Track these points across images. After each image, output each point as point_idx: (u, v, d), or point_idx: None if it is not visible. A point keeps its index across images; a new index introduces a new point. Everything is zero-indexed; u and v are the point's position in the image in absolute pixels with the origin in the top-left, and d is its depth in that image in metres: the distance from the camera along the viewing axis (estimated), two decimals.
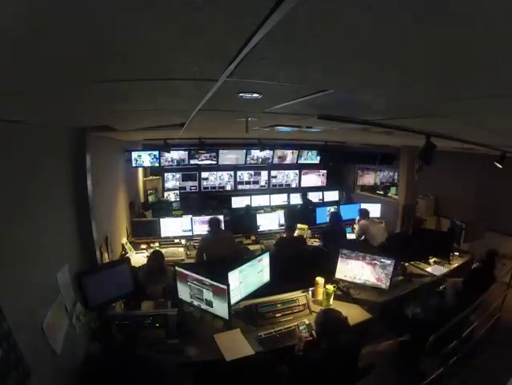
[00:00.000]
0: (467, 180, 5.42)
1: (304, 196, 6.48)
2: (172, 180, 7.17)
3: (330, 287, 2.84)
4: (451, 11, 0.45)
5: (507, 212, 4.77)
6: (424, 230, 5.06)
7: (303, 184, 8.08)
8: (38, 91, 1.02)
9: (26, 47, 0.60)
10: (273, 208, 6.34)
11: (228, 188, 7.61)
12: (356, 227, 5.02)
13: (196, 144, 5.45)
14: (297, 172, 8.03)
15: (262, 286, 2.93)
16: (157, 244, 4.48)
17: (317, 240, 4.85)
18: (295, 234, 4.25)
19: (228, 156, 6.64)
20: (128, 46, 0.64)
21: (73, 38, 0.58)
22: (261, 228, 5.02)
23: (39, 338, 1.60)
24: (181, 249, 4.41)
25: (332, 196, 7.45)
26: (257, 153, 6.76)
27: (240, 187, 7.66)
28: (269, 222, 5.11)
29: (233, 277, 2.59)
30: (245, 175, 7.63)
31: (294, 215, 5.27)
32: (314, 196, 7.05)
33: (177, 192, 7.05)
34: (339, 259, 3.18)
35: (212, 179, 7.46)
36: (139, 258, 3.94)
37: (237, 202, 6.71)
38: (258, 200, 6.64)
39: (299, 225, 4.63)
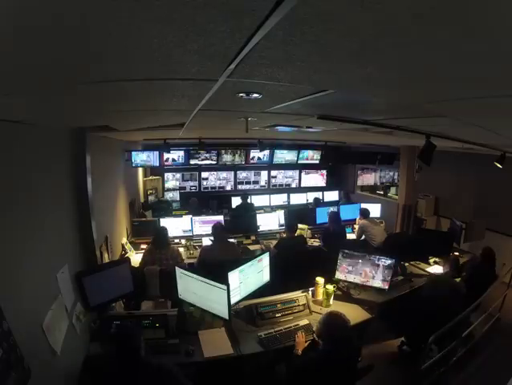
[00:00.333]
0: (467, 180, 5.42)
1: (317, 199, 6.52)
2: (172, 180, 7.17)
3: (330, 287, 2.84)
4: (450, 11, 0.45)
5: (507, 212, 4.77)
6: (424, 230, 5.06)
7: (303, 184, 8.09)
8: (37, 91, 1.02)
9: (26, 47, 0.60)
10: (273, 209, 6.34)
11: (228, 188, 7.62)
12: (356, 227, 5.02)
13: (196, 144, 5.45)
14: (297, 172, 8.05)
15: (262, 286, 2.93)
16: None
17: (317, 240, 4.85)
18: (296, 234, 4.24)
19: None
20: (128, 46, 0.64)
21: (73, 38, 0.58)
22: (261, 228, 5.02)
23: (39, 338, 1.60)
24: (181, 249, 4.41)
25: (332, 196, 7.46)
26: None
27: (240, 187, 7.67)
28: (269, 222, 5.11)
29: (233, 277, 2.59)
30: (244, 175, 7.65)
31: (294, 215, 5.26)
32: (314, 196, 7.04)
33: (177, 192, 7.07)
34: (339, 259, 3.18)
35: (212, 179, 7.47)
36: (139, 258, 3.94)
37: (237, 202, 6.72)
38: (258, 200, 6.65)
39: (300, 225, 4.62)
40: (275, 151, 6.68)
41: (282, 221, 5.17)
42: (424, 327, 2.60)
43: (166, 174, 7.04)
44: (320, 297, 2.89)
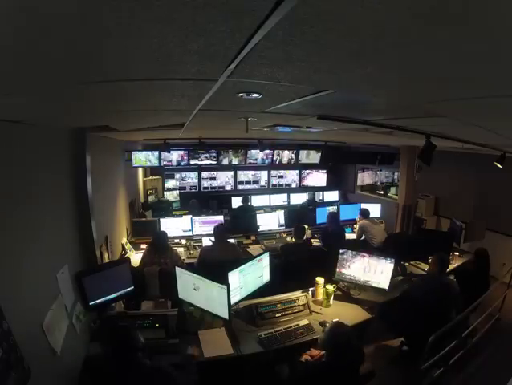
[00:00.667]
0: (467, 180, 5.42)
1: (312, 197, 6.50)
2: (172, 180, 7.18)
3: (330, 287, 2.84)
4: (450, 11, 0.45)
5: (507, 212, 4.77)
6: (423, 230, 5.06)
7: (303, 184, 8.09)
8: (37, 91, 1.02)
9: (26, 47, 0.60)
10: (273, 209, 6.35)
11: (228, 188, 7.62)
12: (356, 227, 5.02)
13: (196, 144, 5.45)
14: (297, 172, 8.06)
15: (262, 286, 2.93)
16: None
17: (317, 240, 4.85)
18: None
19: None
20: (128, 46, 0.64)
21: (73, 38, 0.58)
22: (261, 228, 5.02)
23: (39, 338, 1.60)
24: (181, 249, 4.41)
25: (332, 196, 7.46)
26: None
27: (240, 187, 7.68)
28: (269, 222, 5.11)
29: (233, 277, 2.59)
30: (244, 175, 7.66)
31: (294, 215, 5.27)
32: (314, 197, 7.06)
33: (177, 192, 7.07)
34: (339, 259, 3.18)
35: (212, 179, 7.48)
36: (139, 258, 3.94)
37: (237, 202, 6.73)
38: (258, 200, 6.65)
39: None
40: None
41: (282, 221, 5.17)
42: (419, 326, 2.59)
43: (166, 174, 7.05)
44: (320, 297, 2.89)
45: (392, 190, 6.98)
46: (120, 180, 4.53)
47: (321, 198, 7.29)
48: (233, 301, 2.49)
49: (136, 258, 3.88)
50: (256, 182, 7.84)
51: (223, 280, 2.41)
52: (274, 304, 2.72)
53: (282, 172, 7.98)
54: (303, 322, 2.57)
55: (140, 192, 6.33)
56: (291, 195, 7.20)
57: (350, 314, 2.69)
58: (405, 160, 5.39)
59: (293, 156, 6.69)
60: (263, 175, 7.84)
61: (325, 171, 8.15)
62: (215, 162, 6.51)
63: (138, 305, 3.20)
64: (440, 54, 0.65)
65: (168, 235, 4.52)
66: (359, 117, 1.94)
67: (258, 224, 5.00)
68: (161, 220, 4.65)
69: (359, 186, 7.86)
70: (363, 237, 4.64)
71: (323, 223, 5.30)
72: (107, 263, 3.03)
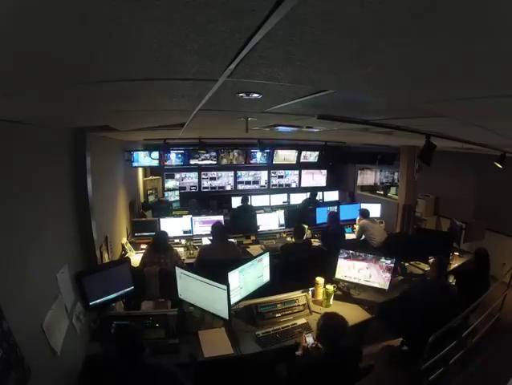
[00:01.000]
0: (467, 180, 5.42)
1: (313, 196, 6.49)
2: (172, 180, 7.18)
3: (330, 287, 2.84)
4: (450, 11, 0.45)
5: (507, 212, 4.77)
6: (423, 230, 5.06)
7: (303, 184, 8.09)
8: (37, 91, 1.02)
9: (26, 47, 0.60)
10: (273, 209, 6.35)
11: (228, 188, 7.62)
12: (356, 227, 5.02)
13: (196, 144, 5.45)
14: (297, 172, 8.06)
15: (262, 286, 2.93)
16: None
17: (317, 240, 4.84)
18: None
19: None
20: (128, 46, 0.64)
21: (73, 38, 0.58)
22: (261, 229, 5.02)
23: (39, 338, 1.60)
24: (181, 249, 4.41)
25: (332, 196, 7.46)
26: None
27: (240, 187, 7.67)
28: (269, 222, 5.11)
29: (233, 277, 2.59)
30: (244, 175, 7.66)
31: (294, 215, 5.27)
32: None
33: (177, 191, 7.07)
34: (339, 259, 3.18)
35: (212, 179, 7.48)
36: (139, 258, 3.94)
37: (237, 202, 6.72)
38: (258, 200, 6.65)
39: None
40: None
41: (282, 221, 5.17)
42: (417, 327, 2.59)
43: (166, 174, 7.05)
44: (320, 297, 2.89)
45: (392, 190, 6.98)
46: (120, 180, 4.53)
47: (321, 198, 7.29)
48: (233, 301, 2.49)
49: (136, 258, 3.88)
50: (256, 182, 7.83)
51: (222, 280, 2.41)
52: (274, 304, 2.72)
53: (282, 172, 7.98)
54: (301, 321, 2.57)
55: (140, 192, 6.32)
56: (291, 195, 7.20)
57: (350, 314, 2.69)
58: (405, 160, 5.39)
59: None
60: (263, 175, 7.84)
61: (325, 171, 8.16)
62: (215, 162, 6.51)
63: (138, 305, 3.20)
64: (440, 54, 0.65)
65: (168, 235, 4.55)
66: (359, 117, 1.94)
67: (258, 224, 5.00)
68: (161, 220, 4.65)
69: (359, 186, 7.86)
70: (363, 236, 4.64)
71: (323, 223, 5.30)
72: (107, 263, 3.03)
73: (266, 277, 3.00)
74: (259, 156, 6.71)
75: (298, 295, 2.86)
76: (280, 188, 7.89)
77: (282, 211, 5.38)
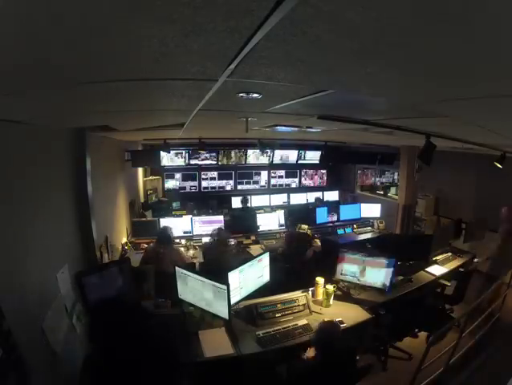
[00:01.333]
0: (467, 180, 5.41)
1: (318, 199, 6.52)
2: (172, 180, 7.18)
3: (330, 287, 2.84)
4: (451, 11, 0.45)
5: None
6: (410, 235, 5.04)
7: (303, 184, 8.10)
8: (37, 91, 1.02)
9: (27, 47, 0.60)
10: (273, 209, 6.35)
11: (228, 188, 7.62)
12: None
13: (196, 144, 5.45)
14: (297, 171, 8.06)
15: (262, 286, 2.93)
16: None
17: (317, 240, 4.84)
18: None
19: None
20: (128, 47, 0.64)
21: (73, 38, 0.58)
22: (261, 228, 5.02)
23: (39, 338, 1.60)
24: (181, 249, 4.41)
25: (332, 196, 7.46)
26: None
27: (240, 187, 7.67)
28: (269, 222, 5.11)
29: (233, 277, 2.59)
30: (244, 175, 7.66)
31: (294, 215, 5.26)
32: (313, 196, 7.05)
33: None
34: (339, 259, 3.18)
35: (212, 179, 7.48)
36: (139, 258, 3.94)
37: (237, 202, 6.72)
38: (258, 200, 6.65)
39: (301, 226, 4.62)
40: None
41: (282, 221, 5.17)
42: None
43: (166, 174, 7.05)
44: (320, 297, 2.89)
45: (392, 190, 6.98)
46: (120, 180, 4.53)
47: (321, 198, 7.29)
48: (233, 301, 2.49)
49: (136, 258, 3.88)
50: (256, 182, 7.84)
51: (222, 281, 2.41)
52: (274, 304, 2.71)
53: (281, 172, 7.98)
54: (302, 322, 2.57)
55: (140, 192, 6.32)
56: (291, 195, 7.19)
57: (350, 314, 2.69)
58: (405, 160, 5.39)
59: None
60: (263, 175, 7.84)
61: (325, 171, 8.16)
62: (215, 162, 6.51)
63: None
64: (440, 54, 0.65)
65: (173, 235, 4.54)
66: (359, 117, 1.94)
67: (258, 224, 5.01)
68: (161, 220, 4.64)
69: (359, 186, 7.86)
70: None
71: (324, 223, 5.32)
72: (107, 263, 3.02)
73: (266, 277, 3.00)
74: (259, 156, 6.71)
75: (298, 295, 2.85)
76: (280, 188, 7.89)
77: (282, 211, 5.38)
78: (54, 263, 1.95)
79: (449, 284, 3.50)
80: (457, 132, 2.36)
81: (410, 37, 0.56)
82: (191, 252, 4.38)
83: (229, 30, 0.54)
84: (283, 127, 2.96)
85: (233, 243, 4.21)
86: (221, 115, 1.99)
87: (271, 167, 7.57)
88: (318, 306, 2.82)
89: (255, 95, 1.21)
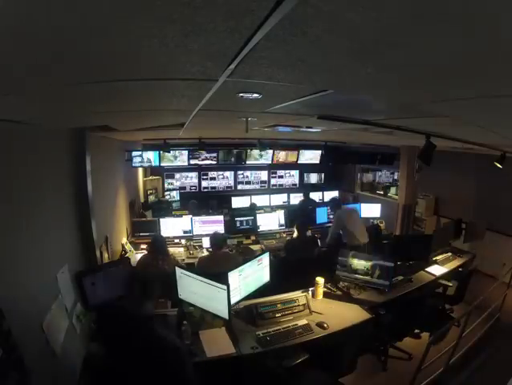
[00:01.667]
0: (467, 180, 5.41)
1: (306, 196, 6.48)
2: (172, 180, 7.18)
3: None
4: (451, 11, 0.45)
5: (507, 212, 4.77)
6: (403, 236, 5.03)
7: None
8: (37, 91, 1.02)
9: (27, 47, 0.60)
10: (273, 209, 6.35)
11: (228, 188, 7.62)
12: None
13: (196, 144, 5.45)
14: (297, 171, 8.06)
15: (262, 286, 2.93)
16: None
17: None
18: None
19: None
20: (128, 47, 0.64)
21: (73, 38, 0.58)
22: (261, 228, 5.02)
23: (39, 338, 1.60)
24: (181, 249, 4.41)
25: (332, 196, 7.46)
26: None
27: (240, 187, 7.67)
28: (269, 222, 5.11)
29: (233, 277, 2.59)
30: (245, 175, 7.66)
31: (294, 215, 5.27)
32: (314, 196, 7.06)
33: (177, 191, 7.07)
34: (339, 259, 3.19)
35: (212, 178, 7.48)
36: (139, 258, 3.94)
37: (237, 202, 6.72)
38: (258, 200, 6.65)
39: None
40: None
41: (282, 221, 5.17)
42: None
43: (166, 174, 7.05)
44: (320, 297, 2.90)
45: (392, 190, 6.98)
46: (120, 180, 4.53)
47: (321, 198, 7.29)
48: (233, 301, 2.49)
49: (136, 258, 3.88)
50: (256, 182, 7.84)
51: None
52: (274, 304, 2.71)
53: (281, 172, 7.98)
54: (302, 321, 2.57)
55: (140, 192, 6.33)
56: (291, 195, 7.20)
57: (350, 313, 2.69)
58: (405, 160, 5.39)
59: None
60: (263, 175, 7.84)
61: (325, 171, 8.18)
62: (215, 162, 6.51)
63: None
64: (440, 54, 0.65)
65: (168, 235, 4.54)
66: (359, 117, 1.94)
67: (258, 224, 5.01)
68: (161, 220, 4.65)
69: (359, 186, 7.86)
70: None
71: (324, 223, 5.32)
72: (107, 263, 3.02)
73: (266, 277, 3.00)
74: (259, 156, 6.70)
75: (298, 295, 2.85)
76: (280, 188, 7.89)
77: (282, 211, 5.38)
78: (54, 263, 1.94)
79: (450, 284, 3.48)
80: (457, 132, 2.36)
81: (410, 37, 0.56)
82: (191, 252, 4.38)
83: (229, 30, 0.54)
84: (283, 127, 2.96)
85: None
86: (221, 115, 1.99)
87: (271, 167, 7.58)
88: (319, 306, 2.82)
89: (255, 95, 1.21)
